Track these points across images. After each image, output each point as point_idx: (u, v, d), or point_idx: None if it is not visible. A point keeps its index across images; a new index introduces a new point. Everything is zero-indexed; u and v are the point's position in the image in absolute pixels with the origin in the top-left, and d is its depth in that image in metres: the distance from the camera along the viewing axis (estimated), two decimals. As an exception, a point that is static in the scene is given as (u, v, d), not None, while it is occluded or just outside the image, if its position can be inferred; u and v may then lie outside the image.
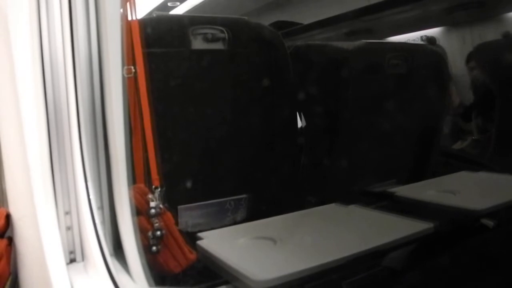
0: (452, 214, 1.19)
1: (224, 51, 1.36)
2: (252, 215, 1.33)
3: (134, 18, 0.92)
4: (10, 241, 0.87)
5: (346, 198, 1.30)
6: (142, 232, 0.89)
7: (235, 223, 1.36)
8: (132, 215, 0.83)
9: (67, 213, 0.80)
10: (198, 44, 1.31)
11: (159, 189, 0.95)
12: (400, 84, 1.69)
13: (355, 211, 1.24)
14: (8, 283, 0.86)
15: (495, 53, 2.32)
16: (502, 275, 0.93)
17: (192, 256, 0.96)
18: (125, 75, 0.88)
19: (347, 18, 4.22)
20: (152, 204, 0.92)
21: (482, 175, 1.59)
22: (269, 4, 4.95)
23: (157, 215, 0.92)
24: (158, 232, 0.91)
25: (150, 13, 1.39)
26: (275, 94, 1.45)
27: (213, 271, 0.93)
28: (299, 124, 1.69)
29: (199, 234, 1.06)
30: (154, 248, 0.91)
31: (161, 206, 0.93)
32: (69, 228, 0.80)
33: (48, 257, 0.74)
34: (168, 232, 0.93)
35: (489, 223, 1.17)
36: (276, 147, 1.47)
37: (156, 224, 0.91)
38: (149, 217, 0.91)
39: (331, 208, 1.27)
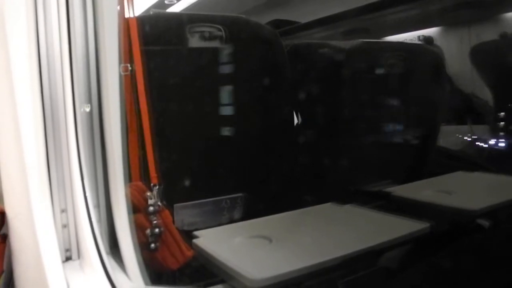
0: (448, 214, 1.20)
1: (222, 50, 1.36)
2: (249, 214, 1.33)
3: (131, 15, 0.92)
4: (5, 238, 0.86)
5: (343, 197, 1.31)
6: (140, 229, 0.89)
7: (232, 221, 1.35)
8: (129, 213, 0.83)
9: (63, 211, 0.80)
10: (195, 42, 1.31)
11: (157, 187, 0.95)
12: (397, 83, 1.69)
13: (352, 210, 1.24)
14: (1, 280, 0.85)
15: (494, 54, 2.32)
16: (498, 275, 0.93)
17: (190, 253, 0.97)
18: (122, 73, 0.88)
19: (345, 17, 4.22)
20: (151, 201, 0.92)
21: (478, 175, 1.59)
22: (267, 2, 4.94)
23: (155, 212, 0.92)
24: (157, 230, 0.91)
25: (147, 10, 1.38)
26: (273, 92, 1.45)
27: (209, 270, 0.93)
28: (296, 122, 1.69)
29: (195, 233, 1.06)
30: (152, 245, 0.91)
31: (159, 203, 0.93)
32: (65, 226, 0.80)
33: (44, 255, 0.74)
34: (166, 229, 0.93)
35: (485, 223, 1.18)
36: (273, 146, 1.47)
37: (155, 222, 0.91)
38: (147, 214, 0.92)
39: (328, 207, 1.27)
